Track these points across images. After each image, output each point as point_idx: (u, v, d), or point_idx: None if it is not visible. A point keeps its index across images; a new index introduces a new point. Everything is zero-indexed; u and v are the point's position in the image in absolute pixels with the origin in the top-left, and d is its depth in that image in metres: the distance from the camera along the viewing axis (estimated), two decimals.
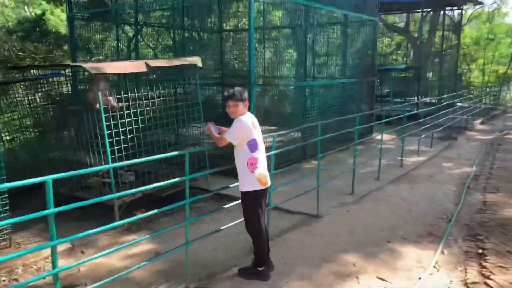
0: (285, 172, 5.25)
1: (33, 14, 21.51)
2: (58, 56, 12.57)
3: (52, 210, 2.38)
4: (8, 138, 7.06)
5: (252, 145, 3.59)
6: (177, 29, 9.78)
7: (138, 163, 5.76)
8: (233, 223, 4.12)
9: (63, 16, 18.86)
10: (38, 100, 6.16)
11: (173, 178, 4.70)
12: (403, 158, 8.01)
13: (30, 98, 5.64)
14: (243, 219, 3.79)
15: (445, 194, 6.33)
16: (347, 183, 6.40)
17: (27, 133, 6.84)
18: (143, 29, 10.08)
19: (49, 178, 2.34)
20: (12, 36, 15.78)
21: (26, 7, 24.21)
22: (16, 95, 6.62)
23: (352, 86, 9.62)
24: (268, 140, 6.65)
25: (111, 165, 4.37)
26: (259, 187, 3.62)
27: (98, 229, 3.06)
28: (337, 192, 6.25)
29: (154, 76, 6.36)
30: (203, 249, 4.41)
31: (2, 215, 4.28)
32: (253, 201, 3.65)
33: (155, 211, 3.50)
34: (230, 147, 3.73)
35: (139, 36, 9.70)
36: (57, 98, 6.18)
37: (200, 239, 3.84)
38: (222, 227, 4.03)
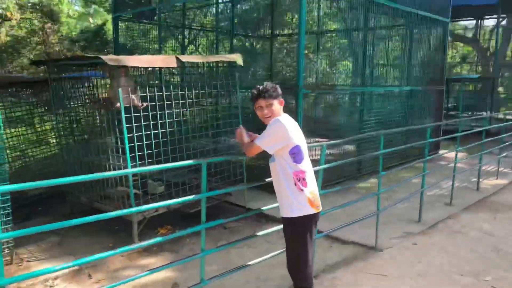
0: (335, 192, 4.29)
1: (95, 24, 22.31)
2: None
3: None
4: (56, 141, 6.80)
5: (297, 154, 2.68)
6: (225, 35, 9.25)
7: (167, 172, 5.17)
8: (269, 255, 3.29)
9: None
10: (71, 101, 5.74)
11: (209, 190, 3.96)
12: (480, 180, 6.71)
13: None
14: (284, 250, 2.93)
15: None
16: (412, 208, 5.30)
17: (68, 136, 6.55)
18: (197, 37, 9.73)
19: None
20: (75, 45, 16.32)
21: (90, 18, 25.23)
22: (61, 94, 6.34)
23: (416, 95, 8.41)
24: (315, 154, 5.73)
25: (124, 171, 3.71)
26: (311, 210, 2.70)
27: (107, 253, 2.44)
28: (399, 218, 5.16)
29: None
30: (232, 280, 3.57)
31: (3, 227, 3.72)
32: (302, 231, 2.72)
33: (175, 234, 2.83)
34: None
35: (188, 41, 9.32)
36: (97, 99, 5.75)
37: (217, 278, 3.02)
38: (251, 262, 3.17)
